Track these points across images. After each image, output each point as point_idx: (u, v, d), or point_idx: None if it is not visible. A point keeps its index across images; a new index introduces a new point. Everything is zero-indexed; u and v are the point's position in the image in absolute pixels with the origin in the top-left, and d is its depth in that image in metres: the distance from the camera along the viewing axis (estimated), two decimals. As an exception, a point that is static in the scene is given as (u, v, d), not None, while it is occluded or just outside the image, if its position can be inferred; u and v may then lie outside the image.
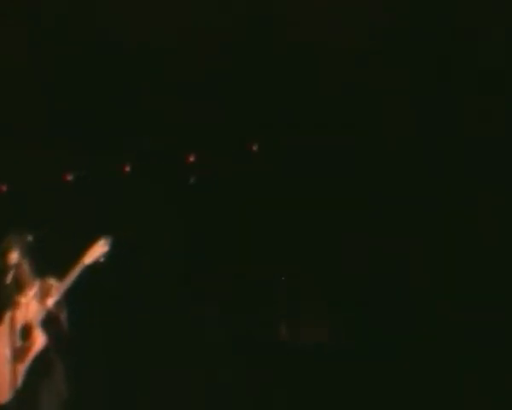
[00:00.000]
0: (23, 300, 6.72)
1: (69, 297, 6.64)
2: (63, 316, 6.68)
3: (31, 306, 6.69)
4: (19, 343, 6.53)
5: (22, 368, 6.53)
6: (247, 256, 8.13)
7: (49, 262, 6.81)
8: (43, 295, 6.68)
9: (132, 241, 7.72)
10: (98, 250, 6.66)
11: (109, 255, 6.65)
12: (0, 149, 8.08)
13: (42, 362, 6.62)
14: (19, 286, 6.70)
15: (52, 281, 6.75)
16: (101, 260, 6.64)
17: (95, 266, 6.63)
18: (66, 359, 6.74)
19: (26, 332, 6.59)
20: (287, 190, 8.05)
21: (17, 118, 8.16)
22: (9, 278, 6.52)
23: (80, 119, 8.11)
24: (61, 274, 6.68)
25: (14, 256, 6.68)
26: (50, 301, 6.58)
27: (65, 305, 6.67)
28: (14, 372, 6.35)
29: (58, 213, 8.03)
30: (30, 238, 6.72)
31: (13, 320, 6.45)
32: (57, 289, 6.60)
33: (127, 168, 8.29)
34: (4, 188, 8.47)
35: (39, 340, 6.59)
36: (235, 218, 8.13)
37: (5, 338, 6.55)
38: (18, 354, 6.48)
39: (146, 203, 8.17)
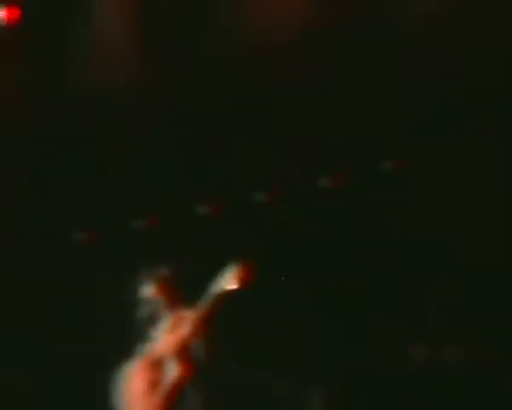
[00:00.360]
0: (159, 332, 6.62)
1: (204, 327, 6.50)
2: (200, 348, 6.56)
3: (166, 338, 6.58)
4: (154, 377, 6.46)
5: (158, 401, 6.46)
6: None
7: (183, 293, 6.70)
8: (178, 326, 6.59)
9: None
10: (231, 277, 6.48)
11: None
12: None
13: (178, 395, 6.53)
14: (153, 320, 6.62)
15: (187, 312, 6.62)
16: (235, 287, 6.46)
17: (228, 293, 6.48)
18: (202, 391, 6.59)
19: (162, 365, 6.51)
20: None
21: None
22: (144, 312, 6.50)
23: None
24: (194, 304, 6.57)
25: (149, 290, 6.66)
26: (185, 332, 6.50)
27: (200, 335, 6.54)
28: (149, 406, 6.34)
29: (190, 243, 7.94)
30: (165, 271, 6.66)
31: (148, 354, 6.43)
32: (191, 319, 6.51)
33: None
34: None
35: (175, 372, 6.51)
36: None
37: (141, 373, 6.50)
38: (154, 387, 6.43)
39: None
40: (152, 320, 6.57)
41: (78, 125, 8.17)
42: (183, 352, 6.50)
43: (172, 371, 6.50)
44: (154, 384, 6.45)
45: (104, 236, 8.34)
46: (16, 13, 8.27)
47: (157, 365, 6.51)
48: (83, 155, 8.18)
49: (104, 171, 8.23)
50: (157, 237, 8.16)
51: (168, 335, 6.58)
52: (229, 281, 6.49)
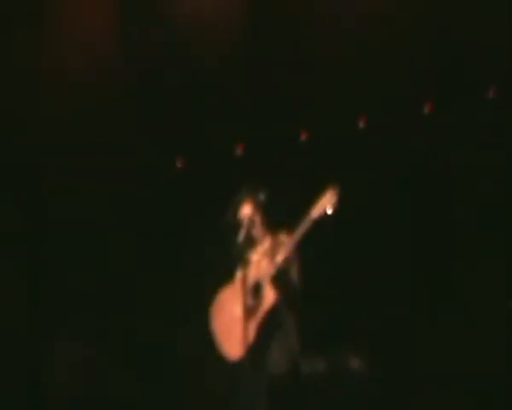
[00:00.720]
0: (255, 257, 6.74)
1: (299, 251, 6.59)
2: (294, 272, 6.64)
3: (262, 263, 6.68)
4: (250, 301, 6.56)
5: (254, 325, 6.56)
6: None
7: (279, 218, 6.80)
8: (274, 251, 6.65)
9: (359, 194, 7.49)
10: (325, 202, 6.50)
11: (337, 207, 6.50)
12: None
13: (273, 319, 6.60)
14: (251, 242, 6.67)
15: (283, 237, 6.71)
16: (329, 212, 6.48)
17: (323, 218, 6.50)
18: (297, 315, 6.68)
19: (258, 290, 6.61)
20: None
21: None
22: (242, 234, 6.48)
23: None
24: (290, 229, 6.62)
25: (247, 211, 6.72)
26: (281, 257, 6.55)
27: (295, 260, 6.62)
28: (245, 330, 6.32)
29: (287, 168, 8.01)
30: (262, 194, 6.69)
31: (245, 278, 6.39)
32: (287, 244, 6.56)
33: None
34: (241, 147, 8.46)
35: (271, 297, 6.58)
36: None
37: (237, 296, 6.55)
38: (250, 312, 6.49)
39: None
40: (250, 243, 6.62)
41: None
42: (280, 277, 6.58)
43: (269, 296, 6.57)
44: (250, 309, 6.51)
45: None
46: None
47: (254, 289, 6.61)
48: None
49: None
50: (255, 164, 8.20)
51: (265, 259, 6.67)
52: (322, 206, 6.51)
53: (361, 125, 7.98)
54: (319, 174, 7.11)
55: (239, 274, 6.58)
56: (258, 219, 6.73)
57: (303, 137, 8.19)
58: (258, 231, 6.73)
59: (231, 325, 6.63)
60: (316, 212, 6.50)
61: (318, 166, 7.86)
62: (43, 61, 8.36)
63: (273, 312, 6.58)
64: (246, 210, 6.73)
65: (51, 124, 8.42)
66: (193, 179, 8.46)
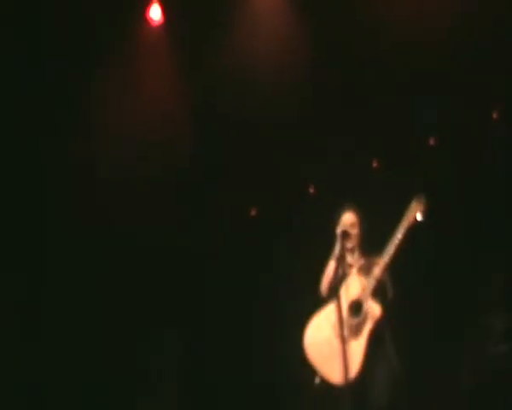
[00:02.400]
0: (351, 272, 6.70)
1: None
2: (389, 284, 6.62)
3: (359, 281, 6.64)
4: (352, 320, 6.50)
5: (362, 344, 6.47)
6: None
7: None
8: (368, 271, 6.64)
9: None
10: (414, 210, 6.57)
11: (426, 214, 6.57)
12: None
13: (376, 335, 6.53)
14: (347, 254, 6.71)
15: (376, 259, 6.65)
16: (419, 219, 6.55)
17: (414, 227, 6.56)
18: (395, 329, 6.64)
19: (358, 308, 6.55)
20: None
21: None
22: (339, 244, 6.56)
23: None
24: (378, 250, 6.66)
25: (349, 219, 6.78)
26: (379, 270, 6.53)
27: (389, 271, 6.60)
28: (347, 351, 6.28)
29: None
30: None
31: (340, 297, 6.41)
32: (383, 256, 6.52)
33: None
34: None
35: (376, 312, 6.54)
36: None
37: (332, 318, 6.52)
38: (353, 331, 6.46)
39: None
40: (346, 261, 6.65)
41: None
42: (379, 290, 6.58)
43: (374, 311, 6.53)
44: (353, 327, 6.48)
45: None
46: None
47: (353, 308, 6.55)
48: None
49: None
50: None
51: (360, 278, 6.67)
52: (412, 215, 6.57)
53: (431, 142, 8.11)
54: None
55: (334, 292, 6.47)
56: (356, 233, 6.77)
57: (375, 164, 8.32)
58: (353, 245, 6.76)
59: (332, 348, 6.51)
60: (407, 221, 6.54)
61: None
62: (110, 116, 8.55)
63: (379, 328, 6.51)
64: (348, 218, 6.79)
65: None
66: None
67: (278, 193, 8.46)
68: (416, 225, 6.56)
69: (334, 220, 6.83)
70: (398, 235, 6.53)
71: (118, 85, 8.51)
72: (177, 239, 8.65)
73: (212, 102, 8.60)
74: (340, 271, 6.51)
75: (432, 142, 8.10)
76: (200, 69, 8.55)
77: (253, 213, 8.68)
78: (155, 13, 8.67)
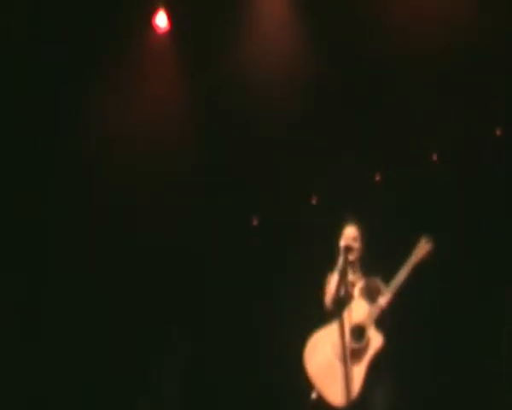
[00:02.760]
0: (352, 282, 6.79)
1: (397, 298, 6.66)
2: (393, 318, 6.69)
3: (362, 305, 6.72)
4: (353, 344, 6.56)
5: (363, 369, 6.54)
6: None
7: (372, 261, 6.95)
8: (370, 293, 6.74)
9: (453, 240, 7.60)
10: (423, 249, 6.68)
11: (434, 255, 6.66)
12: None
13: (377, 365, 6.61)
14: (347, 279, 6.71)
15: (377, 281, 6.79)
16: (426, 259, 6.66)
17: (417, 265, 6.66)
18: (394, 361, 6.70)
19: (361, 333, 6.62)
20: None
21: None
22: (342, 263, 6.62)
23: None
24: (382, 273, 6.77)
25: (351, 233, 6.84)
26: (384, 301, 6.62)
27: (393, 306, 6.66)
28: (348, 374, 6.33)
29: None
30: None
31: (343, 319, 6.44)
32: (390, 289, 6.63)
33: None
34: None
35: (379, 341, 6.61)
36: None
37: (333, 338, 6.59)
38: (354, 355, 6.52)
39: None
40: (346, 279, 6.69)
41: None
42: (382, 321, 6.64)
43: (377, 340, 6.60)
44: (355, 351, 6.54)
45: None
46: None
47: (355, 332, 6.60)
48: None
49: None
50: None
51: (362, 301, 6.74)
52: (420, 254, 6.67)
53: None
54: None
55: (336, 312, 6.52)
56: (357, 247, 6.84)
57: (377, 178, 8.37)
58: (355, 258, 6.82)
59: (332, 368, 6.58)
60: (415, 259, 6.64)
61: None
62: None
63: (379, 358, 6.58)
64: (350, 232, 6.87)
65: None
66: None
67: (280, 203, 8.51)
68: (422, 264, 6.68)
69: (337, 233, 6.91)
70: (405, 272, 6.63)
71: (123, 91, 8.54)
72: (179, 240, 8.70)
73: (216, 108, 8.65)
74: (343, 286, 6.60)
75: (434, 157, 8.11)
76: (206, 75, 8.56)
77: (255, 222, 8.71)
78: (161, 20, 8.68)
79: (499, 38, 7.76)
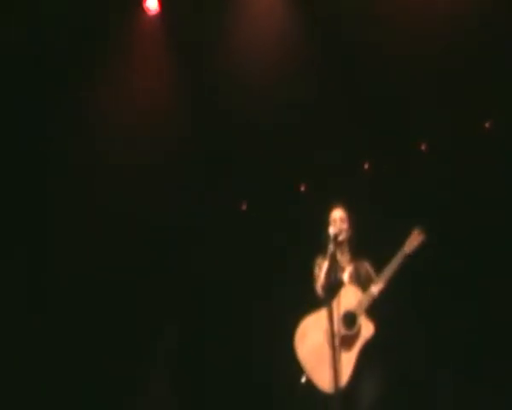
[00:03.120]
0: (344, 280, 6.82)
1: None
2: (382, 307, 6.72)
3: (352, 291, 6.74)
4: (343, 331, 6.57)
5: (352, 357, 6.56)
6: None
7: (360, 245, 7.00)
8: (360, 278, 6.81)
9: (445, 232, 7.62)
10: (415, 240, 6.71)
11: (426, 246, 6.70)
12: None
13: (368, 353, 6.63)
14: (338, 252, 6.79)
15: (366, 264, 6.87)
16: (418, 250, 6.69)
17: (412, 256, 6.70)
18: (385, 351, 6.73)
19: (351, 320, 6.65)
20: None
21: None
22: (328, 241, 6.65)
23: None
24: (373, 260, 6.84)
25: (338, 214, 6.94)
26: (376, 289, 6.66)
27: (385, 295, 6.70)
28: (336, 360, 6.29)
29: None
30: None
31: (332, 306, 6.42)
32: (383, 277, 6.67)
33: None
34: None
35: (370, 329, 6.64)
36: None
37: (323, 324, 6.59)
38: (344, 342, 6.53)
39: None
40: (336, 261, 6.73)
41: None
42: (374, 309, 6.68)
43: (368, 327, 6.63)
44: (345, 338, 6.56)
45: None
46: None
47: (345, 318, 6.63)
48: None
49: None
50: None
51: (353, 287, 6.77)
52: (413, 243, 6.72)
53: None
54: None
55: (328, 299, 6.49)
56: (345, 228, 6.91)
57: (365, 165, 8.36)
58: (343, 239, 6.88)
59: (322, 354, 6.60)
60: (406, 249, 6.70)
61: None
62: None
63: (370, 346, 6.60)
64: (336, 213, 6.95)
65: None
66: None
67: (270, 189, 8.50)
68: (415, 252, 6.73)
69: (325, 220, 6.95)
70: (397, 261, 6.68)
71: (114, 74, 8.50)
72: (172, 232, 8.68)
73: (208, 92, 8.59)
74: (333, 273, 6.62)
75: (423, 147, 8.14)
76: (197, 58, 8.53)
77: (244, 207, 8.71)
78: (152, 2, 8.63)
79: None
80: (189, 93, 8.63)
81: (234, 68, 8.38)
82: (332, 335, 6.39)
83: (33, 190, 8.53)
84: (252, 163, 8.50)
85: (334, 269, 6.63)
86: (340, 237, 6.84)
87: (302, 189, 8.55)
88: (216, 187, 8.59)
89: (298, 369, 6.80)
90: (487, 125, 7.98)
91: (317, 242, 6.95)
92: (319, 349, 6.67)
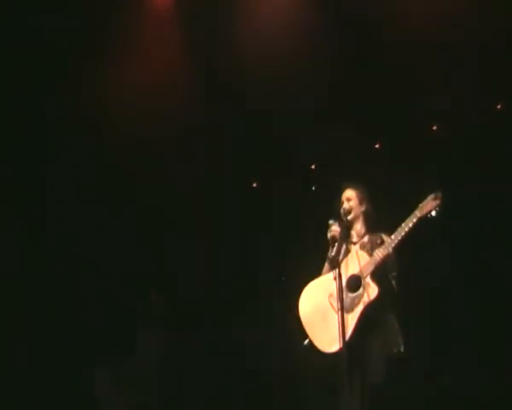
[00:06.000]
0: (353, 248, 6.75)
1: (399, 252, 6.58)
2: (392, 270, 6.63)
3: (360, 257, 6.66)
4: (347, 294, 6.50)
5: (353, 319, 6.48)
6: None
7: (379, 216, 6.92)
8: (373, 247, 6.68)
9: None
10: (430, 204, 6.56)
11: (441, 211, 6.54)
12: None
13: (372, 315, 6.53)
14: (351, 234, 6.80)
15: (383, 236, 6.70)
16: (433, 214, 6.54)
17: (426, 220, 6.55)
18: (393, 314, 6.61)
19: (356, 284, 6.58)
20: None
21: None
22: (344, 224, 6.66)
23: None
24: (389, 229, 6.68)
25: (348, 196, 6.87)
26: (382, 254, 6.55)
27: (395, 259, 6.60)
28: (342, 323, 6.26)
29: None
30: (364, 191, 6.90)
31: (341, 269, 6.43)
32: (389, 242, 6.56)
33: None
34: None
35: (374, 292, 6.53)
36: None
37: (326, 287, 6.60)
38: (347, 305, 6.45)
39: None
40: (350, 234, 6.75)
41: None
42: (380, 274, 6.58)
43: (372, 290, 6.53)
44: (348, 301, 6.47)
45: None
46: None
47: (351, 282, 6.57)
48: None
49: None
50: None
51: (364, 253, 6.68)
52: (425, 209, 6.57)
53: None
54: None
55: (335, 263, 6.48)
56: (359, 210, 6.84)
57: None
58: (358, 223, 6.83)
59: (324, 316, 6.56)
60: (419, 213, 6.56)
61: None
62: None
63: (373, 308, 6.51)
64: (344, 194, 6.89)
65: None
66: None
67: (281, 168, 8.52)
68: (427, 218, 6.57)
69: (336, 204, 6.92)
70: (409, 223, 6.55)
71: (123, 52, 8.56)
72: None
73: (216, 72, 8.65)
74: (343, 250, 6.65)
75: (435, 128, 8.09)
76: (206, 37, 8.57)
77: (255, 185, 8.75)
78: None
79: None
80: (197, 69, 8.65)
81: (244, 43, 8.41)
82: (338, 299, 6.32)
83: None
84: (261, 144, 8.53)
85: (345, 246, 6.66)
86: (349, 217, 6.81)
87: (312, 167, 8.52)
88: (223, 161, 8.62)
89: (301, 332, 6.71)
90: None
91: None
92: (322, 311, 6.62)
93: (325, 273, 6.79)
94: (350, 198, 6.88)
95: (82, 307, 8.68)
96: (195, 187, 8.77)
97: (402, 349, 6.49)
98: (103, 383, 8.65)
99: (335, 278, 6.40)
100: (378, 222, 6.82)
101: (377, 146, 8.33)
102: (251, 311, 8.49)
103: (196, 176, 8.76)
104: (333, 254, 6.59)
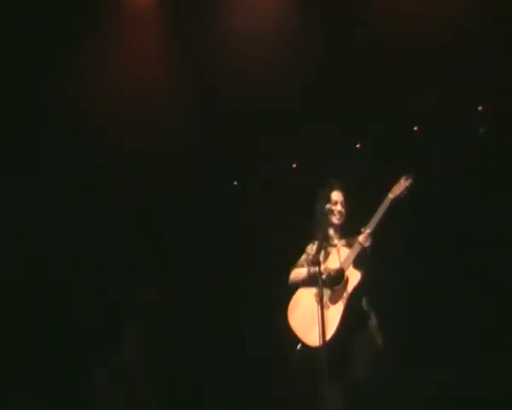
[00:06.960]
0: (334, 244, 6.81)
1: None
2: (370, 253, 6.66)
3: (341, 252, 6.70)
4: (332, 288, 6.56)
5: (340, 309, 6.51)
6: None
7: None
8: (350, 244, 6.70)
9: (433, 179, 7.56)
10: (402, 185, 6.64)
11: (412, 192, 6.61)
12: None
13: (353, 300, 6.58)
14: (331, 231, 6.82)
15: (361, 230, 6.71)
16: (404, 195, 6.60)
17: (398, 201, 6.61)
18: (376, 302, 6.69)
19: (338, 277, 6.62)
20: None
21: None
22: (323, 220, 6.67)
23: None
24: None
25: (337, 198, 6.88)
26: (361, 240, 6.59)
27: (372, 241, 6.62)
28: (321, 319, 6.27)
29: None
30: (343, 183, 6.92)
31: (321, 267, 6.47)
32: (367, 230, 6.59)
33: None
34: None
35: (354, 278, 6.58)
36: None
37: (315, 286, 6.58)
38: (334, 298, 6.52)
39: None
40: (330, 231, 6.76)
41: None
42: (361, 257, 6.62)
43: (354, 275, 6.59)
44: (335, 294, 6.54)
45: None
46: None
47: (335, 277, 6.62)
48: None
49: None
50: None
51: (345, 247, 6.73)
52: (398, 189, 6.66)
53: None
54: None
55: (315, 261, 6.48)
56: (341, 210, 6.86)
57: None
58: (338, 223, 6.85)
59: (312, 315, 6.53)
60: (392, 195, 6.62)
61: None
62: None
63: (357, 296, 6.56)
64: (335, 196, 6.90)
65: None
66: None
67: (261, 166, 8.59)
68: (400, 200, 6.64)
69: (320, 197, 6.87)
70: (384, 207, 6.59)
71: (106, 47, 8.61)
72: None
73: (202, 66, 8.66)
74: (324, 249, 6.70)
75: (416, 128, 8.00)
76: (191, 32, 8.58)
77: (235, 183, 8.83)
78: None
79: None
80: (182, 65, 8.67)
81: (229, 37, 8.41)
82: (321, 296, 6.32)
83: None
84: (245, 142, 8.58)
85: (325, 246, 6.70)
86: (336, 221, 6.89)
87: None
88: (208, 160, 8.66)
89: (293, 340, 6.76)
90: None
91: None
92: (310, 311, 6.61)
93: (301, 266, 6.82)
94: (338, 201, 6.89)
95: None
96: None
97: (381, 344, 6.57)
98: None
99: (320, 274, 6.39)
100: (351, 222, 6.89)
101: (358, 146, 8.17)
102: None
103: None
104: (313, 252, 6.63)
